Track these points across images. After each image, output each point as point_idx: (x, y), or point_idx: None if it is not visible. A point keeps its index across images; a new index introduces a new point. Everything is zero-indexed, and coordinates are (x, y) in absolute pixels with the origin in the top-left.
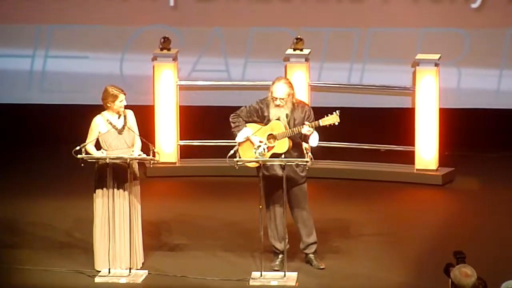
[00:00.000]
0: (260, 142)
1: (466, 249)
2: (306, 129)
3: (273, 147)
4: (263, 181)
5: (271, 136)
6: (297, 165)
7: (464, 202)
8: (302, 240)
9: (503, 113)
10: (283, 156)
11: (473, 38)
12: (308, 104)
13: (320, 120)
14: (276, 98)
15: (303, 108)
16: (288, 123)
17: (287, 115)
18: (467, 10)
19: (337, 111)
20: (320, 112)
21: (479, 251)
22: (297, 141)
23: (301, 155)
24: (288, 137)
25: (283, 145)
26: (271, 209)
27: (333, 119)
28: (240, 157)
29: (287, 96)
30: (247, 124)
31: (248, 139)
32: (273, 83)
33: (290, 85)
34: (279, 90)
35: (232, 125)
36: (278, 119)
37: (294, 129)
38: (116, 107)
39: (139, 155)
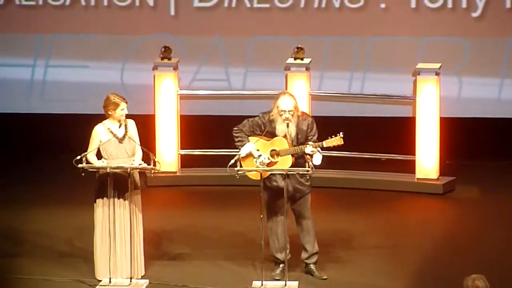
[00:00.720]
0: (264, 158)
1: (466, 258)
2: (309, 149)
3: (276, 162)
4: (265, 192)
5: (274, 152)
6: (301, 176)
7: (465, 211)
8: (304, 250)
9: (504, 122)
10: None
11: (474, 47)
12: (310, 116)
13: (324, 142)
14: (285, 111)
15: (306, 120)
16: (295, 137)
17: (295, 131)
18: (468, 19)
19: (341, 133)
20: (321, 121)
21: (480, 260)
22: (297, 157)
23: (304, 164)
24: (291, 155)
25: (286, 162)
26: (273, 219)
27: (337, 141)
28: (241, 167)
29: (294, 109)
30: (250, 138)
31: (251, 154)
32: (278, 97)
33: (295, 98)
34: (287, 102)
35: (235, 139)
36: (285, 136)
37: (297, 147)
38: (117, 115)
39: (139, 164)
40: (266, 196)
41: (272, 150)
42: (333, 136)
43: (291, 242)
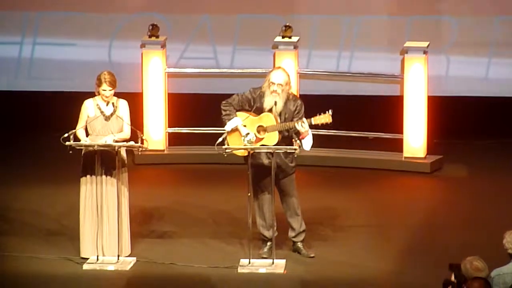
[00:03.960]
0: (248, 134)
1: (454, 236)
2: (300, 126)
3: (262, 139)
4: (251, 169)
5: (261, 128)
6: (286, 155)
7: (452, 190)
8: (291, 228)
9: (491, 101)
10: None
11: (462, 26)
12: (300, 99)
13: (312, 119)
14: (274, 83)
15: (295, 102)
16: (280, 114)
17: (281, 107)
18: None
19: (329, 111)
20: (309, 99)
21: (467, 239)
22: (286, 134)
23: (290, 143)
24: (278, 131)
25: (272, 138)
26: (259, 197)
27: (325, 118)
28: (228, 145)
29: (284, 84)
30: (237, 113)
31: (237, 128)
32: (271, 71)
33: (288, 75)
34: (278, 76)
35: (223, 112)
36: (270, 109)
37: (285, 124)
38: (99, 91)
39: (128, 141)
40: (252, 174)
41: (259, 126)
42: (321, 113)
43: (278, 220)
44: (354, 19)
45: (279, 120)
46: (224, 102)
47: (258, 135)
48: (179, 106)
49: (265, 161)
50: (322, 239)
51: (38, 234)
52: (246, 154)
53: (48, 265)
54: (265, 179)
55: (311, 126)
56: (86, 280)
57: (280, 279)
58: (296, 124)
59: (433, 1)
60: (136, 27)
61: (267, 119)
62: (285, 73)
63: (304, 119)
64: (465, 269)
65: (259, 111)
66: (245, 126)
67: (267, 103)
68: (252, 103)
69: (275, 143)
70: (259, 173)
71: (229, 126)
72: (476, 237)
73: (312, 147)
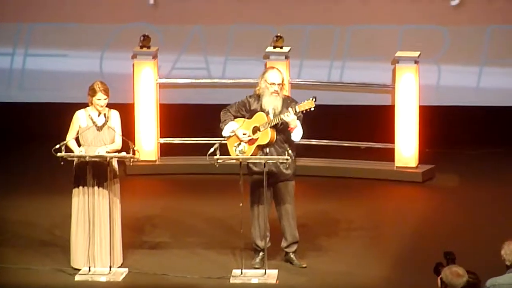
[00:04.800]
0: (244, 134)
1: (446, 245)
2: (286, 115)
3: (257, 139)
4: (251, 176)
5: (256, 128)
6: (281, 162)
7: (444, 199)
8: (284, 238)
9: (482, 110)
10: (267, 149)
11: (453, 36)
12: (291, 97)
13: (296, 106)
14: (274, 84)
15: (291, 101)
16: (280, 113)
17: (281, 106)
18: (447, 7)
19: (314, 97)
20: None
21: (459, 248)
22: (282, 135)
23: (285, 151)
24: (272, 127)
25: (265, 136)
26: (255, 206)
27: (308, 104)
28: (228, 144)
29: (282, 82)
30: (235, 119)
31: (233, 132)
32: (265, 71)
33: (282, 73)
34: (276, 75)
35: (221, 119)
36: (273, 108)
37: (275, 118)
38: (94, 103)
39: (112, 151)
40: (251, 181)
41: (254, 127)
42: (305, 100)
43: (272, 228)
44: (345, 29)
45: (271, 117)
46: (223, 109)
47: (253, 136)
48: (171, 117)
49: (264, 166)
50: (314, 248)
51: (31, 245)
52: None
53: (41, 276)
54: (262, 188)
55: (297, 114)
56: None
57: None
58: (282, 116)
59: (424, 10)
60: (128, 38)
61: (260, 118)
62: (280, 72)
63: (289, 108)
64: (445, 276)
65: (254, 113)
66: (240, 128)
67: (268, 102)
68: (248, 106)
69: (268, 140)
70: (257, 181)
71: (226, 131)
72: (468, 246)
73: (304, 157)
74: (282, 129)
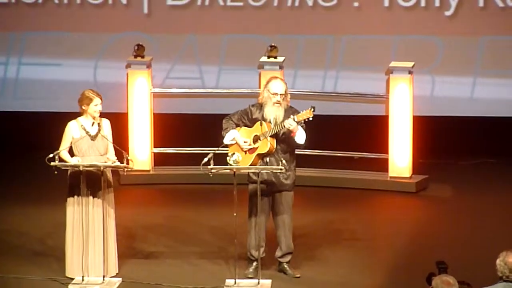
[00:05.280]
0: (245, 142)
1: (439, 255)
2: (288, 123)
3: (257, 148)
4: (250, 185)
5: (257, 137)
6: (280, 173)
7: (437, 210)
8: (279, 248)
9: (476, 121)
10: (267, 158)
11: (447, 46)
12: (295, 109)
13: (295, 116)
14: (277, 94)
15: (294, 110)
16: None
17: (283, 116)
18: (441, 18)
19: (312, 107)
20: None
21: (453, 258)
22: (283, 145)
23: (289, 160)
24: (272, 136)
25: (264, 145)
26: (253, 216)
27: (307, 114)
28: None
29: (285, 93)
30: (237, 128)
31: (234, 140)
32: (269, 81)
33: (285, 83)
34: (279, 86)
35: (223, 127)
36: (275, 117)
37: (275, 127)
38: (91, 110)
39: (113, 162)
40: (251, 190)
41: (254, 136)
42: (304, 110)
43: (269, 239)
44: (339, 39)
45: (272, 126)
46: (226, 117)
47: (253, 144)
48: (165, 126)
49: (265, 176)
50: (307, 258)
51: (23, 254)
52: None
53: (34, 286)
54: (262, 199)
55: (299, 124)
56: None
57: None
58: (284, 123)
59: (418, 21)
60: (122, 47)
61: (262, 127)
62: (283, 82)
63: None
64: (436, 285)
65: (256, 122)
66: (242, 136)
67: (270, 112)
68: (250, 115)
69: (267, 149)
70: (256, 191)
71: (227, 139)
72: (461, 256)
73: (298, 167)
74: (283, 138)
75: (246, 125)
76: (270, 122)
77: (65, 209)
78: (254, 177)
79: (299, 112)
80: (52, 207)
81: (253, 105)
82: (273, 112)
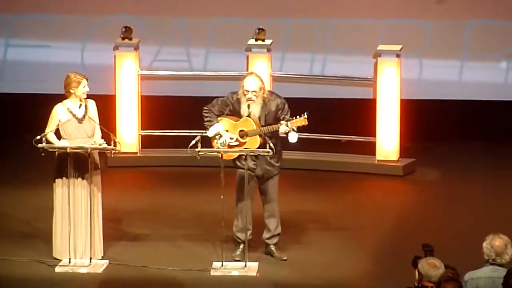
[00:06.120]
0: (231, 138)
1: (426, 239)
2: (283, 129)
3: (244, 143)
4: (238, 171)
5: (243, 133)
6: (271, 156)
7: (424, 193)
8: (267, 229)
9: (464, 104)
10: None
11: (435, 29)
12: (279, 96)
13: (288, 122)
14: (248, 91)
15: (275, 101)
16: (259, 118)
17: (259, 112)
18: (429, 1)
19: (305, 114)
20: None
21: (439, 241)
22: (269, 136)
23: (275, 143)
24: (259, 135)
25: (254, 142)
26: (240, 200)
27: (301, 121)
28: (211, 147)
29: (258, 90)
30: (219, 119)
31: (219, 134)
32: (245, 77)
33: (261, 79)
34: (251, 83)
35: (204, 119)
36: (248, 115)
37: (266, 127)
38: (79, 93)
39: (100, 144)
40: (237, 176)
41: (240, 131)
42: (298, 116)
43: (256, 222)
44: (327, 22)
45: (259, 124)
46: (205, 108)
47: (240, 139)
48: (152, 109)
49: (251, 164)
50: (295, 241)
51: (10, 236)
52: (235, 156)
53: (21, 267)
54: (249, 182)
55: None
56: (59, 282)
57: (252, 282)
58: (280, 128)
59: (406, 4)
60: (110, 29)
61: (248, 124)
62: (257, 78)
63: (282, 122)
64: (421, 267)
65: (238, 115)
66: (227, 131)
67: (244, 110)
68: (231, 108)
69: (257, 146)
70: (244, 176)
71: (211, 132)
72: (448, 240)
73: (285, 150)
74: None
75: (227, 116)
76: (259, 118)
77: (52, 191)
78: (240, 164)
79: (279, 101)
80: (39, 189)
81: (232, 97)
82: (246, 109)
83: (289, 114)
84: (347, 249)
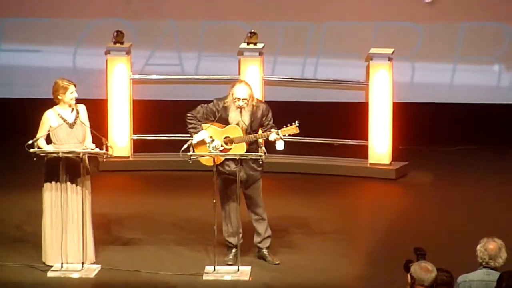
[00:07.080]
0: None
1: (418, 242)
2: (273, 137)
3: (229, 149)
4: (219, 177)
5: (228, 140)
6: (254, 161)
7: (417, 196)
8: (257, 233)
9: (456, 107)
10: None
11: (427, 32)
12: (264, 102)
13: (280, 130)
14: (239, 99)
15: (260, 108)
16: (249, 126)
17: (249, 119)
18: (421, 4)
19: (296, 122)
20: (274, 106)
21: (432, 245)
22: (253, 143)
23: (257, 150)
24: (246, 142)
25: (240, 150)
26: (226, 204)
27: (292, 130)
28: (194, 152)
29: (249, 98)
30: (203, 125)
31: (203, 141)
32: (234, 85)
33: (250, 87)
34: (242, 91)
35: (188, 125)
36: (238, 123)
37: (252, 135)
38: (67, 99)
39: (91, 149)
40: (220, 181)
41: (225, 138)
42: (288, 124)
43: (244, 227)
44: (319, 26)
45: (245, 132)
46: (189, 114)
47: (225, 146)
48: (144, 113)
49: (234, 168)
50: (287, 245)
51: (2, 241)
52: (211, 162)
53: (12, 272)
54: (232, 186)
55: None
56: (51, 287)
57: (245, 286)
58: (270, 137)
59: (398, 7)
60: (101, 33)
61: (234, 131)
62: (247, 86)
63: (273, 130)
64: (414, 271)
65: (223, 122)
66: (211, 137)
67: (234, 118)
68: (217, 115)
69: (243, 153)
70: (227, 180)
71: (196, 139)
72: (441, 243)
73: (278, 153)
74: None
75: (211, 121)
76: (243, 126)
77: (41, 196)
78: (223, 170)
79: (264, 108)
80: (30, 194)
81: (218, 103)
82: (236, 117)
83: (272, 120)
84: (339, 252)
